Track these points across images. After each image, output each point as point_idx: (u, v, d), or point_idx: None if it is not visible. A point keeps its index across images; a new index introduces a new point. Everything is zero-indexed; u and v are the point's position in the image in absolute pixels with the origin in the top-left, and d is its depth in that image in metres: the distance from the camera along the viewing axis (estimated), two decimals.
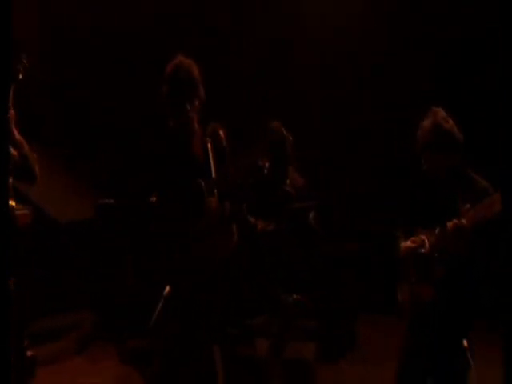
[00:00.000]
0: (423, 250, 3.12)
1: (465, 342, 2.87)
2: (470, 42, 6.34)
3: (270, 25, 6.79)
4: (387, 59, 6.69)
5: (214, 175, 3.24)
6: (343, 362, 5.26)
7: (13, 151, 3.41)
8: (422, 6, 6.56)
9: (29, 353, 3.52)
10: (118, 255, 6.07)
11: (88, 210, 6.32)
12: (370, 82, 6.79)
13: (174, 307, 3.05)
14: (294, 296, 5.11)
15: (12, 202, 3.33)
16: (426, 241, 3.11)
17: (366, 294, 6.13)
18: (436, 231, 3.03)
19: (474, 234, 2.86)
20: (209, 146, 3.31)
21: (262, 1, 6.97)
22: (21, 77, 3.45)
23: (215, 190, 3.23)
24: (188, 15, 6.97)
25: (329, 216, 5.89)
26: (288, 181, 4.35)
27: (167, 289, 2.96)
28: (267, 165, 3.34)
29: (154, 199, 3.40)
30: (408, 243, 3.19)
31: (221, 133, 4.96)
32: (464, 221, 2.85)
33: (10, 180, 3.41)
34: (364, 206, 6.73)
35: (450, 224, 2.89)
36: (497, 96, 2.13)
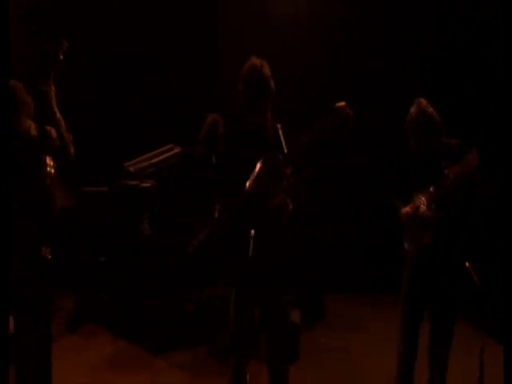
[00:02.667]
0: (421, 209, 3.83)
1: (467, 264, 3.51)
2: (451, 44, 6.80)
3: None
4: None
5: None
6: (316, 328, 6.13)
7: (53, 132, 3.72)
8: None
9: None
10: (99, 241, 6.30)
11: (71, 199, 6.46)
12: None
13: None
14: None
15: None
16: (424, 199, 3.82)
17: (334, 274, 6.74)
18: (430, 189, 3.80)
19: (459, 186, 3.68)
20: (280, 130, 3.87)
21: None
22: (61, 57, 3.82)
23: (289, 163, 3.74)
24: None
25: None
26: None
27: (252, 232, 3.45)
28: None
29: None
30: (407, 209, 3.90)
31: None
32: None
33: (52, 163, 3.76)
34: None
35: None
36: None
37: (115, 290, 6.02)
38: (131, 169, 6.05)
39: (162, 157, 6.20)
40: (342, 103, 4.03)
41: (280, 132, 3.91)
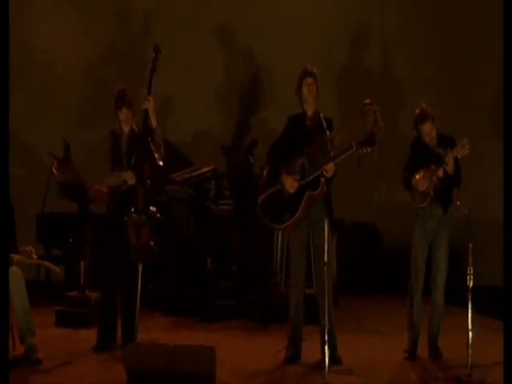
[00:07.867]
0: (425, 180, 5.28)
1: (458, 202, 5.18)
2: None
3: None
4: None
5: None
6: None
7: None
8: None
9: None
10: None
11: None
12: None
13: None
14: None
15: None
16: (425, 173, 5.28)
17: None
18: (432, 167, 5.25)
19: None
20: (322, 116, 5.18)
21: None
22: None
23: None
24: None
25: None
26: None
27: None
28: None
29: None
30: (416, 177, 5.32)
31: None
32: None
33: None
34: None
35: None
36: None
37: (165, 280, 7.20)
38: (178, 179, 7.34)
39: (200, 171, 7.53)
40: (368, 100, 5.39)
41: (322, 117, 5.18)
